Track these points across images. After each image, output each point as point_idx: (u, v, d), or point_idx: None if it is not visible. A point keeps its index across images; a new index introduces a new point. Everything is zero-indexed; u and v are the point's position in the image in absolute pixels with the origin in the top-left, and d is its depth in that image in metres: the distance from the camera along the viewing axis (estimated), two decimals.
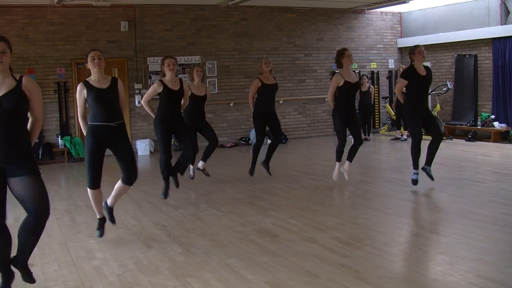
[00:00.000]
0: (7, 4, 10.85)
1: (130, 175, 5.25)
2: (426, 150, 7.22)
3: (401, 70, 12.63)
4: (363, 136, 9.42)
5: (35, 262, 4.62)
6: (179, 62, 12.34)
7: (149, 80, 12.16)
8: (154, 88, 6.77)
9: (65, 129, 11.49)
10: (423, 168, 7.27)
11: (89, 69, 5.12)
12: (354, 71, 9.44)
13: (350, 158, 7.73)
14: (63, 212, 6.71)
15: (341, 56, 7.44)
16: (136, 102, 12.03)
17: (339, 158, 7.73)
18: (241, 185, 8.02)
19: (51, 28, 11.37)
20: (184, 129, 6.99)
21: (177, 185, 7.17)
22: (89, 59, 5.10)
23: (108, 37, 11.86)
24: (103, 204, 5.47)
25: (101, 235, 5.38)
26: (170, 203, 6.93)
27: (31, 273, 3.97)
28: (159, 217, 6.23)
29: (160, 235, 5.51)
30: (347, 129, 7.63)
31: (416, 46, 7.22)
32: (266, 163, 8.33)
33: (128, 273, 4.42)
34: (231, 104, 13.14)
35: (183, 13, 12.56)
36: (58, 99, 11.42)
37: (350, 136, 7.67)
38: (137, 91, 12.09)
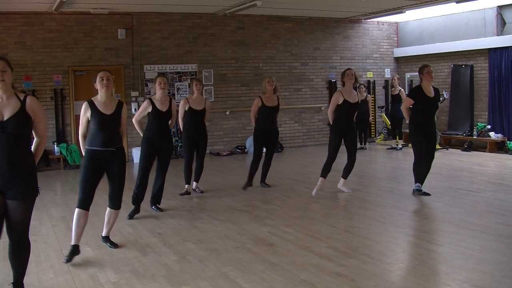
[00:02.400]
0: (5, 11, 10.85)
1: (113, 199, 5.20)
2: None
3: (395, 80, 12.76)
4: (359, 145, 9.41)
5: (30, 269, 4.58)
6: (176, 70, 12.47)
7: (145, 87, 12.18)
8: (144, 106, 6.77)
9: (61, 136, 11.47)
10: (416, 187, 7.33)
11: (97, 89, 5.10)
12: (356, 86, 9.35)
13: (345, 175, 7.76)
14: (58, 219, 6.69)
15: (343, 75, 7.58)
16: (133, 110, 12.02)
17: (324, 174, 7.63)
18: (237, 193, 8.01)
19: (49, 35, 11.38)
20: (166, 155, 6.82)
21: (159, 210, 6.94)
22: (98, 79, 5.09)
23: (105, 44, 11.88)
24: (101, 239, 5.47)
25: (68, 261, 4.90)
26: (166, 211, 6.93)
27: None
28: (155, 225, 6.22)
29: (155, 243, 5.50)
30: (341, 146, 7.61)
31: (425, 66, 7.17)
32: (262, 181, 8.34)
33: (123, 280, 4.40)
34: (227, 113, 13.14)
35: (180, 21, 12.59)
36: (55, 106, 11.41)
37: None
38: (133, 99, 12.10)
